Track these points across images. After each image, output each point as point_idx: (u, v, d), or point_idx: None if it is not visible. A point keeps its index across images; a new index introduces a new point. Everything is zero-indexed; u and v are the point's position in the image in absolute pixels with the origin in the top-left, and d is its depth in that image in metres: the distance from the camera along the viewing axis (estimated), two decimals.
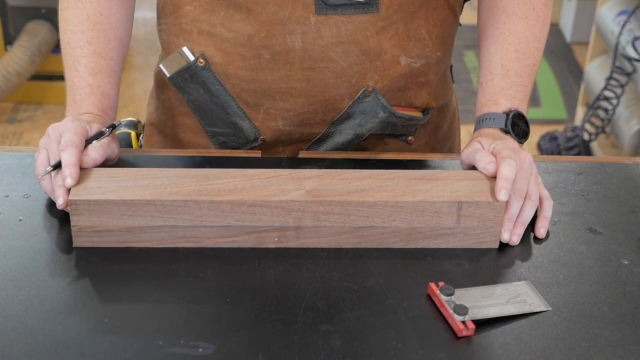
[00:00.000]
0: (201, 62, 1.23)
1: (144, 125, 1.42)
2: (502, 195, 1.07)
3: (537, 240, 1.12)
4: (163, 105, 1.35)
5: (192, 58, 1.24)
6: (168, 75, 1.27)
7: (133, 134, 1.37)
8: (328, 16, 1.17)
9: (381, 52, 1.21)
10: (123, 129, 1.37)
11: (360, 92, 1.23)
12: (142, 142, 1.40)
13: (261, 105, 1.25)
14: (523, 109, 1.22)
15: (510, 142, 1.15)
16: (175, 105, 1.33)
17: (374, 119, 1.25)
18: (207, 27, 1.21)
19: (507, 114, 1.20)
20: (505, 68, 1.22)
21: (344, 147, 1.30)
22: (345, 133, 1.27)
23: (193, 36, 1.23)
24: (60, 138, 1.11)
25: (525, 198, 1.11)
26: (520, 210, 1.11)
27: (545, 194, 1.15)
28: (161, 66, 1.29)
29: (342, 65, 1.20)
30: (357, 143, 1.31)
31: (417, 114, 1.30)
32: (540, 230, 1.13)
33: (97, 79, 1.21)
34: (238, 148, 1.31)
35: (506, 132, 1.19)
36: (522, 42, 1.23)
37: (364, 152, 1.31)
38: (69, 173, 1.06)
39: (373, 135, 1.32)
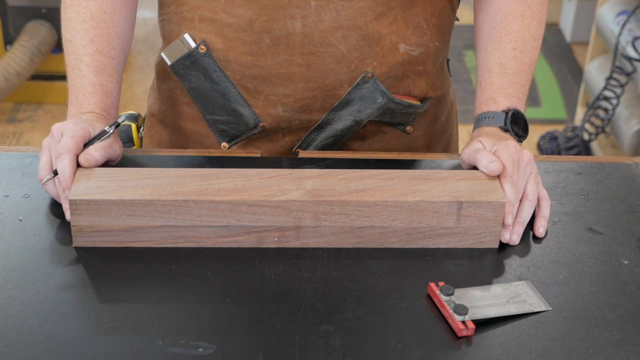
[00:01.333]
0: (202, 49, 1.24)
1: (144, 119, 1.43)
2: (508, 220, 1.09)
3: (537, 240, 1.12)
4: (164, 96, 1.36)
5: (193, 45, 1.24)
6: (169, 63, 1.28)
7: (134, 126, 1.38)
8: (328, 0, 1.18)
9: (380, 38, 1.22)
10: (124, 121, 1.37)
11: (360, 78, 1.24)
12: (142, 134, 1.40)
13: (261, 92, 1.26)
14: (521, 107, 1.23)
15: (512, 142, 1.15)
16: (176, 94, 1.34)
17: (372, 104, 1.26)
18: (208, 13, 1.22)
19: (507, 112, 1.20)
20: (504, 66, 1.23)
21: (343, 133, 1.30)
22: (344, 120, 1.28)
23: (194, 23, 1.24)
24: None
25: (523, 198, 1.12)
26: (518, 210, 1.11)
27: (544, 194, 1.15)
28: (163, 54, 1.29)
29: (341, 50, 1.21)
30: (356, 130, 1.31)
31: (416, 102, 1.31)
32: (539, 230, 1.13)
33: (100, 77, 1.21)
34: (238, 136, 1.31)
35: (506, 130, 1.19)
36: (519, 40, 1.24)
37: (364, 152, 1.31)
38: (66, 186, 1.07)
39: (372, 123, 1.32)
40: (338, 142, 1.32)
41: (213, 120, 1.31)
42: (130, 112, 1.41)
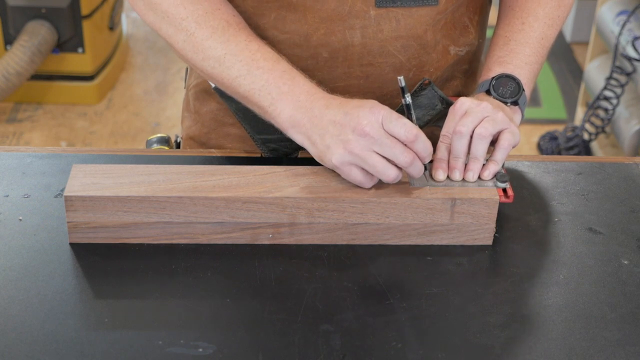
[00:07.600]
0: None
1: (176, 141, 1.38)
2: (439, 175, 1.09)
3: (537, 240, 1.12)
4: (204, 118, 1.31)
5: None
6: (214, 85, 1.21)
7: (166, 149, 1.34)
8: (388, 9, 1.16)
9: (436, 44, 1.20)
10: (155, 146, 1.34)
11: (417, 85, 1.20)
12: None
13: None
14: (518, 73, 1.18)
15: (484, 104, 1.11)
16: (219, 116, 1.29)
17: (432, 111, 1.22)
18: (254, 32, 1.16)
19: (492, 77, 1.17)
20: (507, 39, 1.21)
21: None
22: None
23: None
24: (385, 129, 1.04)
25: (473, 135, 1.09)
26: (471, 146, 1.09)
27: (505, 138, 1.10)
28: None
29: (400, 59, 1.19)
30: None
31: None
32: (485, 173, 1.10)
33: (281, 60, 1.11)
34: (290, 153, 1.27)
35: (489, 94, 1.16)
36: (531, 16, 1.21)
37: None
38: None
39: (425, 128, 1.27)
40: None
41: (263, 140, 1.26)
42: (159, 135, 1.37)
